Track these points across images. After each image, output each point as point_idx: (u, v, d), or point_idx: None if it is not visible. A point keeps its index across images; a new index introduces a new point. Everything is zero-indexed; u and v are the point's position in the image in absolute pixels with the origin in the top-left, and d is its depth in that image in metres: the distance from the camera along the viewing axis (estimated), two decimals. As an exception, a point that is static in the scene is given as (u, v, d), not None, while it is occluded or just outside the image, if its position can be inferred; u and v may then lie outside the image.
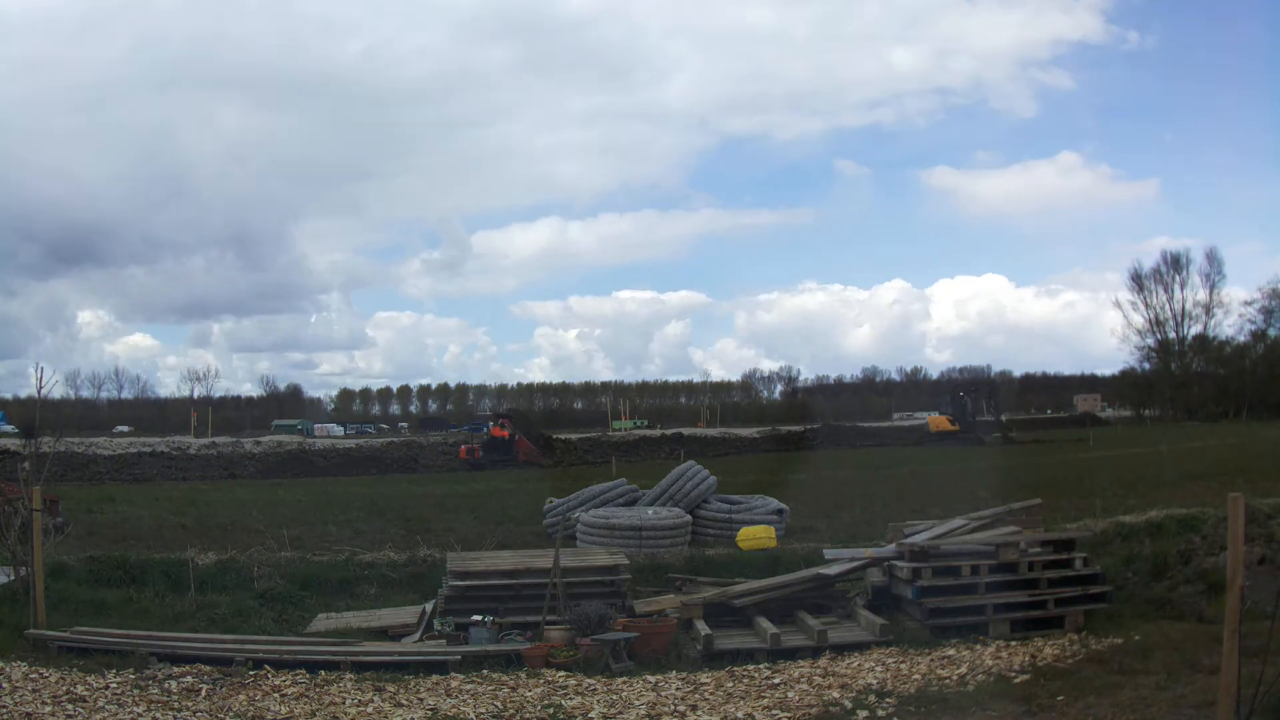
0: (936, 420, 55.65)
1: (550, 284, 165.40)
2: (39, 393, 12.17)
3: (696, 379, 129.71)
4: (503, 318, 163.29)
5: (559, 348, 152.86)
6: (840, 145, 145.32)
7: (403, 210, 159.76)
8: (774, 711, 7.08)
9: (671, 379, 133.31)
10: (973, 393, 60.41)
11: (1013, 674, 7.72)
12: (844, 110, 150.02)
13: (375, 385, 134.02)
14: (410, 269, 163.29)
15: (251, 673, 8.23)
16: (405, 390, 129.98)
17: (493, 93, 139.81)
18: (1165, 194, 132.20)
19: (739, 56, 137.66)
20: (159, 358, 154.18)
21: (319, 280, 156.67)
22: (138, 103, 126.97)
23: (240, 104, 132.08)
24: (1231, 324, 78.29)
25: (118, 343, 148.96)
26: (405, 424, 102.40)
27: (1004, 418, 58.31)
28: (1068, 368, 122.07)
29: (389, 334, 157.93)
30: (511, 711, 7.21)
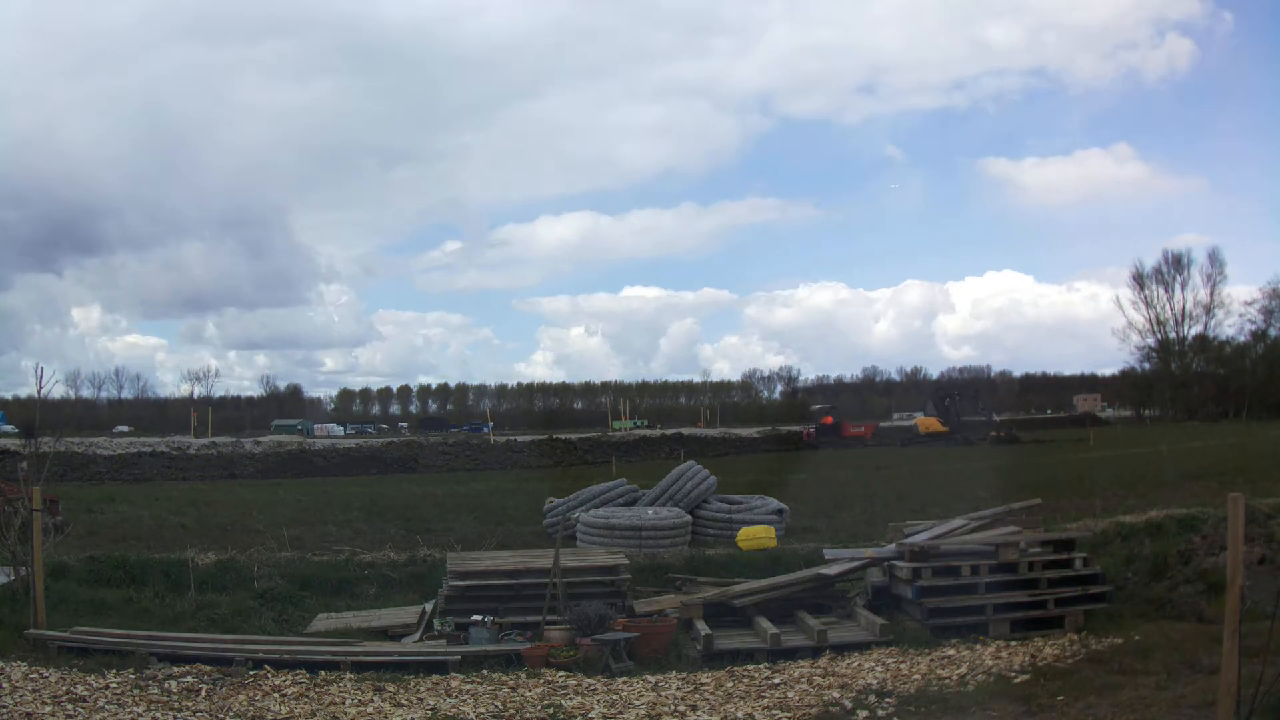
0: (926, 422, 55.75)
1: (575, 279, 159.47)
2: (39, 393, 12.17)
3: (697, 379, 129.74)
4: (513, 315, 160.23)
5: (570, 345, 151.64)
6: (901, 132, 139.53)
7: (430, 198, 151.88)
8: (774, 711, 7.08)
9: (673, 379, 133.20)
10: (959, 394, 60.53)
11: (1013, 674, 7.72)
12: (918, 92, 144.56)
13: (381, 382, 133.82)
14: (425, 263, 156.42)
15: (251, 673, 8.23)
16: (405, 390, 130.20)
17: (555, 58, 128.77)
18: (1214, 187, 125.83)
19: (827, 22, 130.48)
20: (156, 354, 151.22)
21: (328, 272, 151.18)
22: (142, 67, 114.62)
23: (265, 71, 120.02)
24: (1232, 324, 78.48)
25: (116, 340, 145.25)
26: (405, 424, 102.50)
27: (996, 417, 58.35)
28: (1088, 366, 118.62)
29: (396, 330, 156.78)
30: (511, 711, 7.21)
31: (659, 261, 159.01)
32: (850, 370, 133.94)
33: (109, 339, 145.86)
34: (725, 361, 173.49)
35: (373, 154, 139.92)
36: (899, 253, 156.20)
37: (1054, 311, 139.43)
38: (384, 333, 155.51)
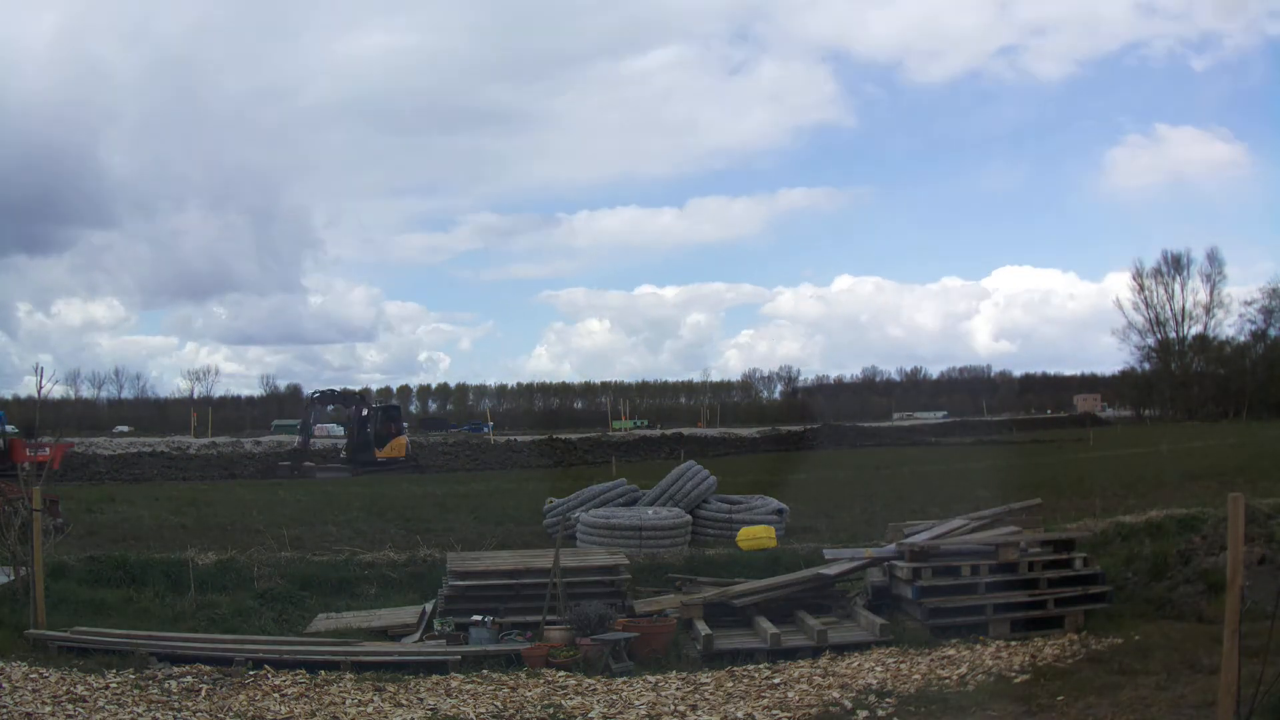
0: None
1: (611, 273, 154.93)
2: (39, 392, 12.22)
3: (697, 378, 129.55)
4: (525, 309, 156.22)
5: (584, 340, 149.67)
6: (1018, 106, 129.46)
7: (478, 176, 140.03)
8: (774, 711, 7.08)
9: (673, 379, 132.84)
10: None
11: (1013, 674, 7.72)
12: (1053, 59, 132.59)
13: (382, 381, 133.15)
14: (442, 256, 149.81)
15: (251, 673, 8.23)
16: (405, 390, 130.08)
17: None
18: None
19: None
20: (153, 348, 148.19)
21: (336, 263, 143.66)
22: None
23: (281, 9, 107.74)
24: (1232, 324, 78.59)
25: (118, 339, 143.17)
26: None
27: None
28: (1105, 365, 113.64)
29: (402, 326, 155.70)
30: (511, 711, 7.21)
31: (703, 251, 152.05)
32: (863, 369, 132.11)
33: (106, 334, 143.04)
34: (738, 354, 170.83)
35: (415, 116, 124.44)
36: (945, 244, 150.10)
37: (1095, 307, 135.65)
38: (391, 327, 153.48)
